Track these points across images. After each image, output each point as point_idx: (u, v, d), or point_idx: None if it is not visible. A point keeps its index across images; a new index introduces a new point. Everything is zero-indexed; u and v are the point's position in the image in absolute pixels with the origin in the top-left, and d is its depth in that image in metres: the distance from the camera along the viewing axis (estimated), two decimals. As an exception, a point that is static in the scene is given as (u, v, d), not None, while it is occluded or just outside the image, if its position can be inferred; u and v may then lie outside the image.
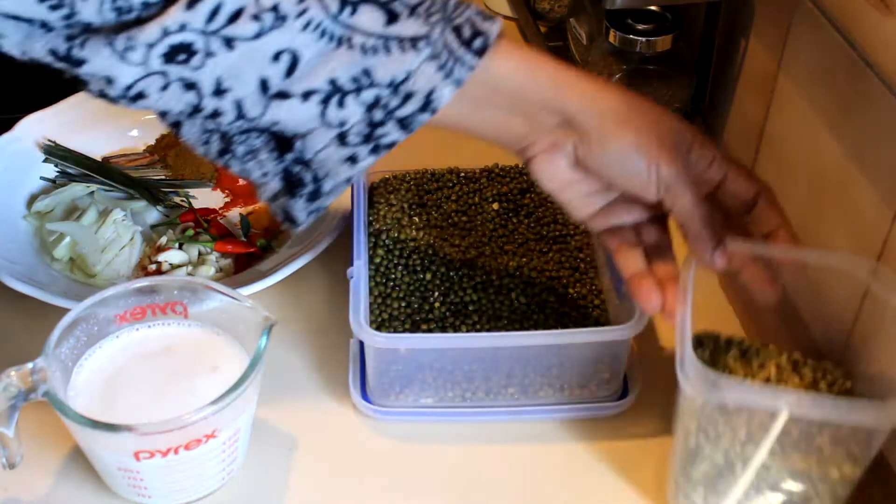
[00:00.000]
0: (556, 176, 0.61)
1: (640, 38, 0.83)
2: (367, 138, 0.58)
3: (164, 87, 0.56)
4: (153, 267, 0.81)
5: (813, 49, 0.70)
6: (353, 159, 0.59)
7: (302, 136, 0.59)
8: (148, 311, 0.68)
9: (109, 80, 0.55)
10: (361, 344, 0.73)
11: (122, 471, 0.62)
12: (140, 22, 0.54)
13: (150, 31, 0.54)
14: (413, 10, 0.56)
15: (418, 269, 0.78)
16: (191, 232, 0.84)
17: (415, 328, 0.74)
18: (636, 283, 0.63)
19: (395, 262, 0.78)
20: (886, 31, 0.60)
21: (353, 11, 0.55)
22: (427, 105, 0.57)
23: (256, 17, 0.54)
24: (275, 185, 0.62)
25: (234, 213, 0.88)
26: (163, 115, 0.59)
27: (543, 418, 0.72)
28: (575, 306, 0.76)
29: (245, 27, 0.54)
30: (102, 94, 0.57)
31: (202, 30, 0.54)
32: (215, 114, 0.58)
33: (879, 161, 0.63)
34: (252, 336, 0.64)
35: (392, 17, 0.56)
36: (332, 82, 0.56)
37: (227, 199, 0.90)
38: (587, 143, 0.59)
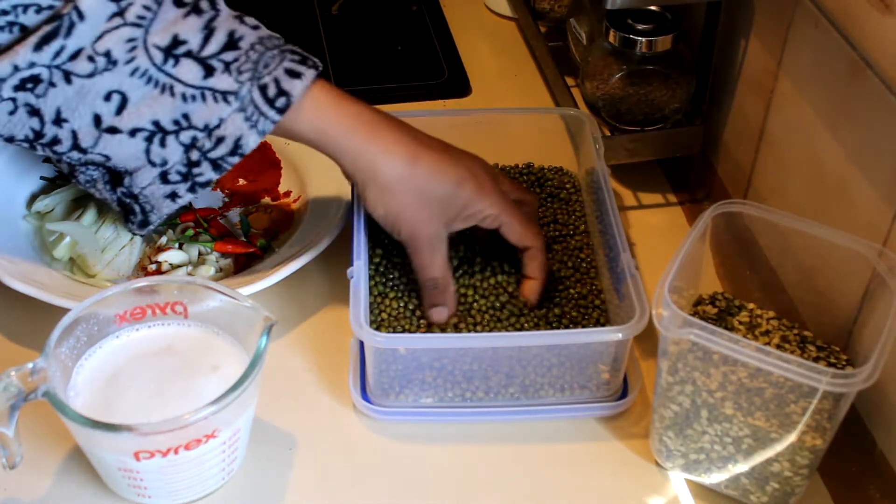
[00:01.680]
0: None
1: (640, 38, 0.83)
2: (185, 177, 0.68)
3: (12, 112, 0.64)
4: (153, 267, 0.81)
5: (813, 49, 0.70)
6: (173, 196, 0.69)
7: (130, 173, 0.68)
8: (148, 311, 0.68)
9: None
10: (361, 344, 0.73)
11: (122, 471, 0.62)
12: None
13: (2, 66, 0.62)
14: (227, 67, 0.65)
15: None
16: (191, 232, 0.84)
17: (415, 328, 0.74)
18: None
19: (395, 262, 0.78)
20: (886, 31, 0.60)
21: (175, 63, 0.65)
22: (236, 150, 0.67)
23: (91, 59, 0.63)
24: (114, 207, 0.72)
25: (234, 213, 0.88)
26: (8, 140, 0.67)
27: (543, 418, 0.72)
28: (575, 306, 0.76)
29: (82, 65, 0.63)
30: None
31: (48, 65, 0.63)
32: (54, 141, 0.66)
33: (879, 161, 0.63)
34: (252, 336, 0.64)
35: (209, 72, 0.65)
36: (156, 123, 0.65)
37: (227, 199, 0.90)
38: (357, 190, 0.72)
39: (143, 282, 0.68)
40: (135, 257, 0.82)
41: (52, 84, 0.63)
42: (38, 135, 0.66)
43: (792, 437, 0.60)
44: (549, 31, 1.07)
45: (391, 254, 0.78)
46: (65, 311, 0.65)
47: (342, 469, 0.69)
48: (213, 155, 0.67)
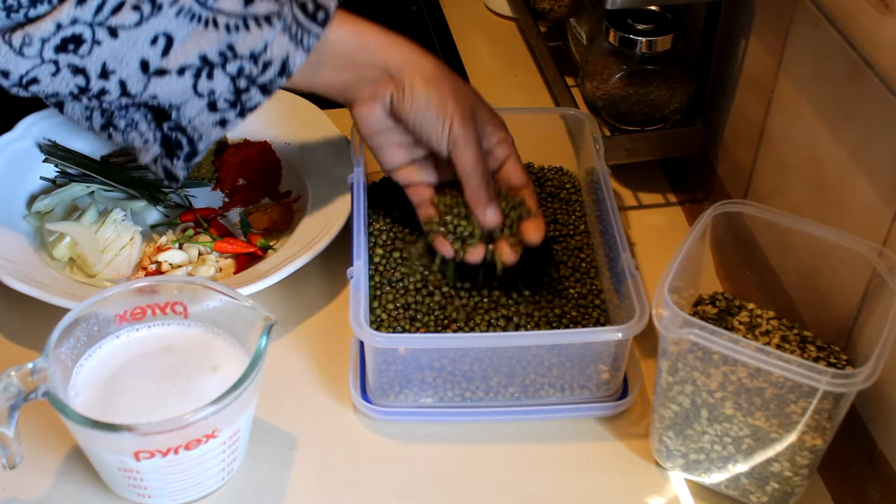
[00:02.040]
0: (373, 121, 0.72)
1: (640, 38, 0.83)
2: (234, 104, 0.69)
3: (55, 73, 0.64)
4: (153, 267, 0.81)
5: (813, 49, 0.70)
6: (223, 122, 0.69)
7: (177, 107, 0.69)
8: (148, 311, 0.68)
9: (5, 73, 0.64)
10: (361, 344, 0.73)
11: (122, 471, 0.62)
12: (34, 19, 0.62)
13: (45, 26, 0.62)
14: None
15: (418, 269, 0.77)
16: (191, 232, 0.84)
17: (414, 328, 0.74)
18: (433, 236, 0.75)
19: (395, 262, 0.78)
20: (886, 31, 0.60)
21: None
22: (283, 71, 0.67)
23: (136, 8, 0.63)
24: (155, 149, 0.71)
25: (234, 213, 0.88)
26: (52, 96, 0.66)
27: (543, 418, 0.72)
28: (575, 306, 0.76)
29: (127, 17, 0.63)
30: None
31: (90, 22, 0.63)
32: (101, 93, 0.66)
33: (879, 161, 0.63)
34: (252, 336, 0.64)
35: None
36: (203, 58, 0.66)
37: (227, 199, 0.90)
38: (401, 92, 0.70)
39: (143, 282, 0.68)
40: (135, 257, 0.82)
41: (96, 42, 0.63)
42: (84, 90, 0.66)
43: (792, 437, 0.60)
44: (549, 31, 1.07)
45: (391, 254, 0.78)
46: (65, 311, 0.65)
47: (342, 469, 0.69)
48: (261, 80, 0.68)
